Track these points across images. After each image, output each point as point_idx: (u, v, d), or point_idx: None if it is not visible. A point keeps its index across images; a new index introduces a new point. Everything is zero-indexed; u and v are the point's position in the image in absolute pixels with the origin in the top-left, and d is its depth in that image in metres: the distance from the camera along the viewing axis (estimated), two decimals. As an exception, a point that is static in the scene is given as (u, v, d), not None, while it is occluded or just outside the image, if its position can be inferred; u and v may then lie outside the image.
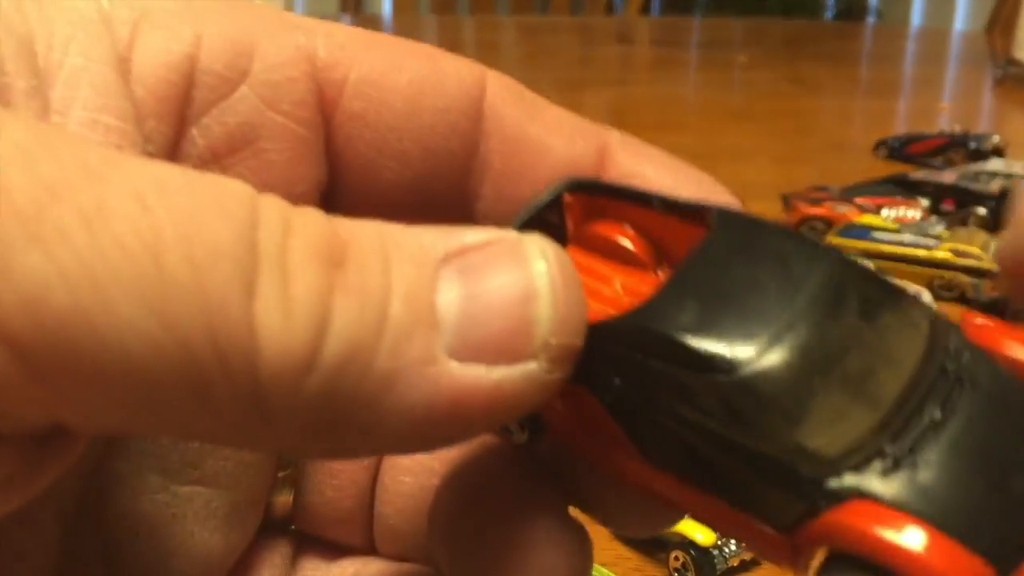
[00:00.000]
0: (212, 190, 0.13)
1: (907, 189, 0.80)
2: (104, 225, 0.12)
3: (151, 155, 0.14)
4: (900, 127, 1.11)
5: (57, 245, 0.12)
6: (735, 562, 0.43)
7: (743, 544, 0.16)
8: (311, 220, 0.14)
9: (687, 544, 0.43)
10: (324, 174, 0.19)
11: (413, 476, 0.21)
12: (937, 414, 0.15)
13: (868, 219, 0.71)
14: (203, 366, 0.13)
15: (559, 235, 0.19)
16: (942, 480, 0.14)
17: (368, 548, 0.23)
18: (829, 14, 2.65)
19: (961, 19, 2.48)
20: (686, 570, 0.43)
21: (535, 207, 0.19)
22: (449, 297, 0.14)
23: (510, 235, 0.15)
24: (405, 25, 1.80)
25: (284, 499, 0.23)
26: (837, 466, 0.14)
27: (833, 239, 0.69)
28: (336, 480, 0.22)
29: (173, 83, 0.18)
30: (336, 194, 0.20)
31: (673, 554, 0.43)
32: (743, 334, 0.15)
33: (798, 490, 0.14)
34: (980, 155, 0.90)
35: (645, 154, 0.21)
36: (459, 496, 0.19)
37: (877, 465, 0.14)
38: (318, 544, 0.23)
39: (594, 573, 0.40)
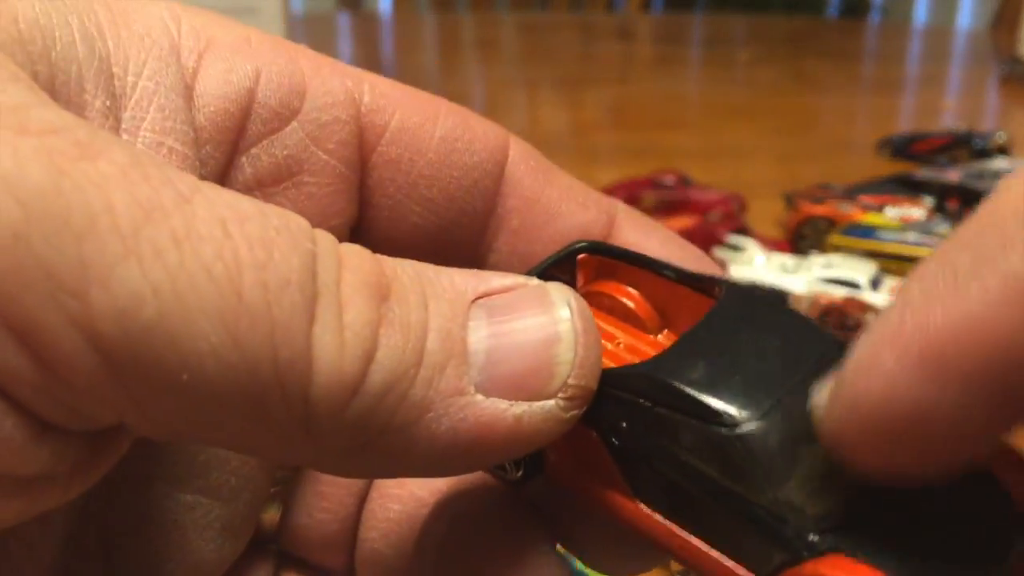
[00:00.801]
0: (281, 221, 0.14)
1: (911, 188, 0.79)
2: (192, 248, 0.13)
3: (203, 179, 0.15)
4: (904, 125, 1.11)
5: (152, 263, 0.13)
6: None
7: None
8: (360, 256, 0.15)
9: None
10: (356, 210, 0.21)
11: (401, 504, 0.22)
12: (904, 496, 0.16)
13: (872, 218, 0.71)
14: (263, 384, 0.14)
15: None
16: (906, 547, 0.15)
17: (348, 572, 0.23)
18: (832, 11, 2.65)
19: (966, 17, 2.47)
20: (687, 572, 0.42)
21: (552, 260, 0.20)
22: (478, 335, 0.16)
23: (534, 282, 0.17)
24: (405, 23, 1.80)
25: (271, 516, 0.23)
26: (818, 523, 0.16)
27: (837, 238, 0.69)
28: (324, 503, 0.23)
29: (231, 113, 0.19)
30: (363, 231, 0.21)
31: None
32: (746, 395, 0.16)
33: (783, 540, 0.16)
34: (985, 153, 0.90)
35: (650, 227, 0.23)
36: (451, 527, 0.20)
37: (852, 526, 0.16)
38: (299, 564, 0.23)
39: (591, 575, 0.40)
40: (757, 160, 0.91)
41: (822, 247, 0.69)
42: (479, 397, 0.16)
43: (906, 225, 0.70)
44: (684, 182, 0.79)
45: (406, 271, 0.16)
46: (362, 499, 0.23)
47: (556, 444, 0.17)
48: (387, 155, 0.21)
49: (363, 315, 0.15)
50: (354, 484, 0.23)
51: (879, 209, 0.73)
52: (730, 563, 0.16)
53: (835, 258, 0.64)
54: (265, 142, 0.20)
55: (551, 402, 0.16)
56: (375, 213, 0.21)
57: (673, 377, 0.17)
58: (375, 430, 0.15)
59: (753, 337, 0.18)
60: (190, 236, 0.13)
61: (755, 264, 0.64)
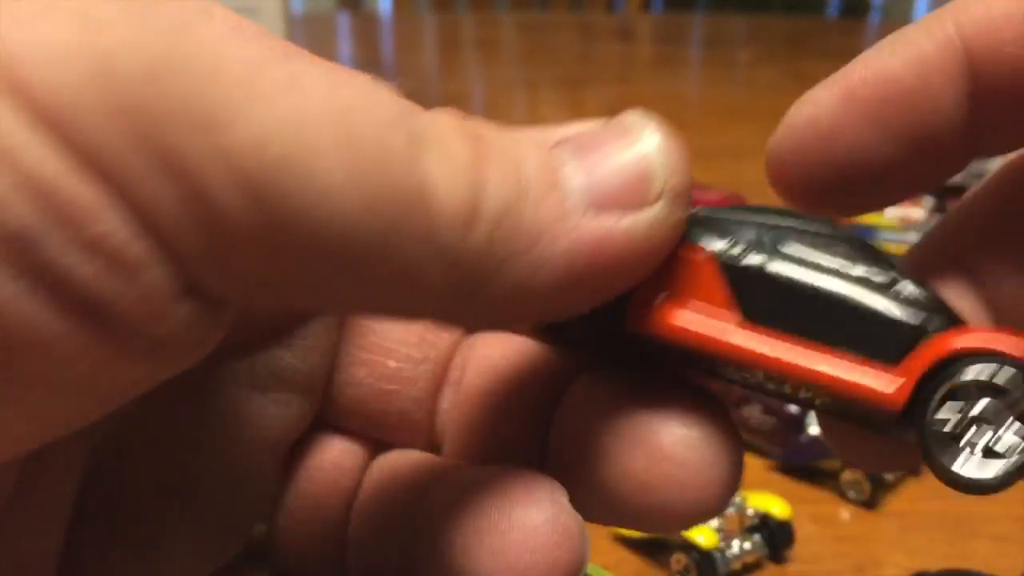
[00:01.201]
0: (367, 78, 0.15)
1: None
2: (303, 92, 0.14)
3: None
4: (903, 125, 1.10)
5: (271, 104, 0.14)
6: (737, 565, 0.43)
7: (831, 396, 0.18)
8: (445, 111, 0.16)
9: (689, 547, 0.42)
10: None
11: (392, 499, 0.22)
12: None
13: (872, 219, 0.71)
14: (388, 219, 0.14)
15: None
16: None
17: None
18: (832, 11, 2.64)
19: (964, 17, 2.47)
20: (687, 573, 0.42)
21: None
22: (570, 168, 0.17)
23: (615, 118, 0.18)
24: (405, 23, 1.80)
25: (259, 530, 0.23)
26: (932, 308, 0.17)
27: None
28: (311, 504, 0.22)
29: None
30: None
31: (675, 557, 0.43)
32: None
33: (908, 320, 0.17)
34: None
35: None
36: (451, 499, 0.19)
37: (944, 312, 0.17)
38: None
39: (593, 574, 0.40)
40: (757, 160, 0.90)
41: (822, 247, 0.69)
42: (586, 217, 0.16)
43: (906, 225, 0.70)
44: (684, 182, 0.79)
45: (484, 125, 0.17)
46: (350, 502, 0.22)
47: (647, 277, 0.18)
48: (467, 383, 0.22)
49: (463, 151, 0.16)
50: (343, 485, 0.22)
51: (879, 209, 0.73)
52: (855, 363, 0.17)
53: (835, 258, 0.64)
54: None
55: (654, 208, 0.17)
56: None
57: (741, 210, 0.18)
58: (498, 258, 0.16)
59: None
60: (299, 82, 0.14)
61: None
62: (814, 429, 0.50)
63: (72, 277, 0.13)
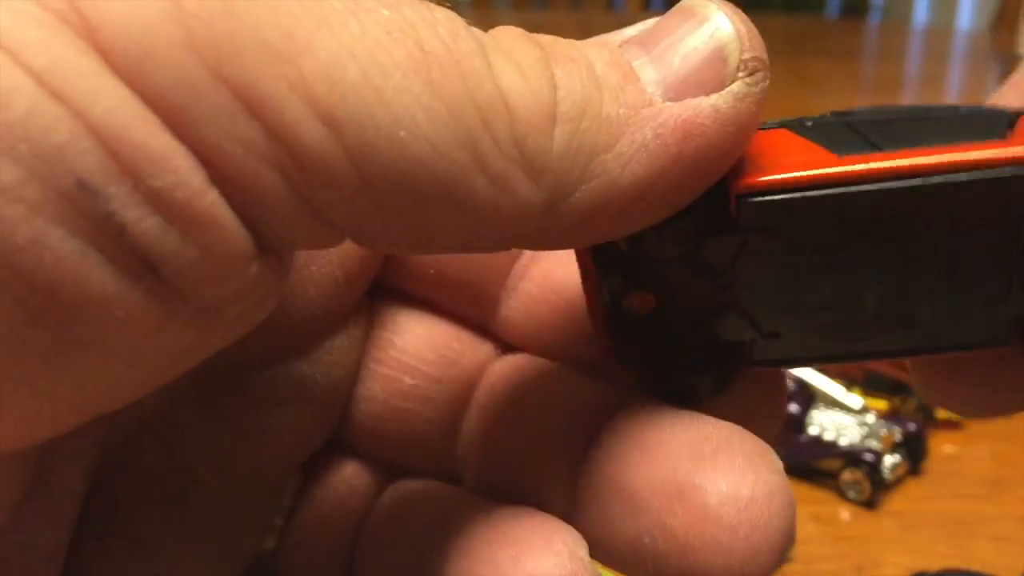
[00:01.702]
0: (424, 3, 0.15)
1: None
2: (369, 16, 0.14)
3: None
4: (903, 125, 1.10)
5: (341, 31, 0.13)
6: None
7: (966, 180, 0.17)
8: (504, 26, 0.16)
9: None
10: None
11: (398, 528, 0.21)
12: None
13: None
14: (472, 132, 0.14)
15: None
16: None
17: None
18: (832, 11, 2.64)
19: (966, 17, 2.47)
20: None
21: None
22: (641, 61, 0.16)
23: (676, 5, 0.17)
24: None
25: (269, 548, 0.22)
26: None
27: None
28: (320, 524, 0.22)
29: None
30: None
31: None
32: None
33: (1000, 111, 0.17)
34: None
35: None
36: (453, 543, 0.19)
37: None
38: None
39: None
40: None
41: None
42: (668, 103, 0.16)
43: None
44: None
45: (545, 36, 0.17)
46: (359, 525, 0.22)
47: (736, 169, 0.17)
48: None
49: (531, 54, 0.15)
50: (347, 516, 0.22)
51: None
52: (963, 147, 0.16)
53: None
54: None
55: (736, 83, 0.16)
56: None
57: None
58: (585, 156, 0.15)
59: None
60: (361, 7, 0.14)
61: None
62: (814, 429, 0.50)
63: (132, 232, 0.12)
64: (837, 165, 0.17)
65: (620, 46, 0.17)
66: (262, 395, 0.21)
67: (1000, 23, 1.69)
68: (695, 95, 0.16)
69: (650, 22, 0.17)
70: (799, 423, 0.50)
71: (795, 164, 0.17)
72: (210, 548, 0.21)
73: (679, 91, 0.16)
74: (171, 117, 0.13)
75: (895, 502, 0.48)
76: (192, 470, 0.20)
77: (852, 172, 0.17)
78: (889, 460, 0.48)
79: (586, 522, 0.18)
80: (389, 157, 0.14)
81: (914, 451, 0.50)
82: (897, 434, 0.49)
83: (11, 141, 0.11)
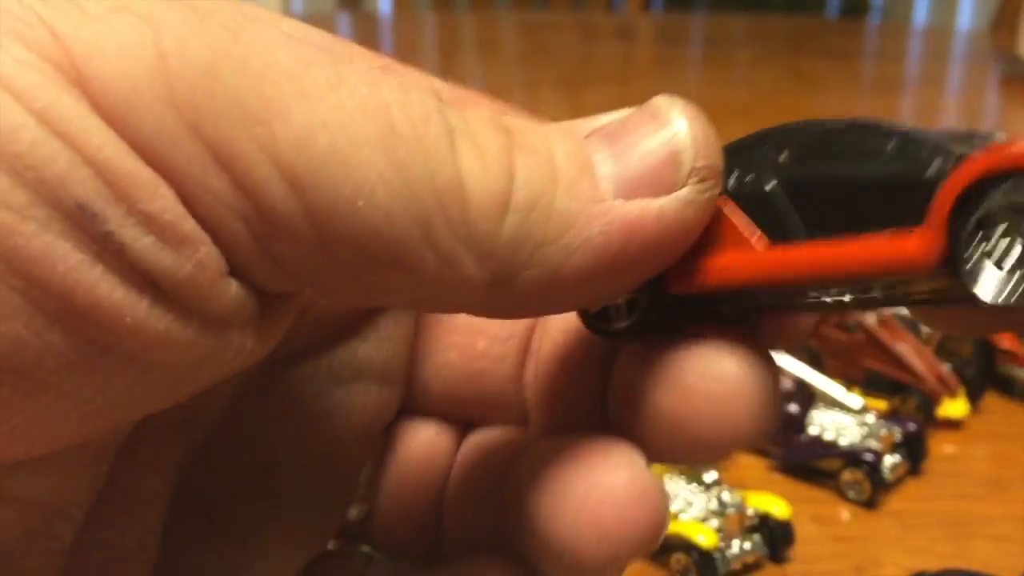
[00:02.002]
0: (407, 79, 0.16)
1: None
2: (347, 91, 0.15)
3: None
4: (903, 125, 1.10)
5: (318, 102, 0.15)
6: (737, 565, 0.43)
7: (876, 281, 0.18)
8: (476, 102, 0.18)
9: (689, 547, 0.42)
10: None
11: (483, 475, 0.23)
12: None
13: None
14: (426, 208, 0.15)
15: None
16: None
17: (434, 558, 0.24)
18: (832, 11, 2.64)
19: (966, 17, 2.47)
20: (687, 573, 0.42)
21: None
22: (601, 155, 0.17)
23: (643, 105, 0.18)
24: (405, 23, 1.80)
25: (356, 510, 0.24)
26: (948, 147, 0.17)
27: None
28: (407, 487, 0.23)
29: None
30: None
31: (675, 557, 0.43)
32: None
33: (924, 167, 0.16)
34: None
35: None
36: (536, 467, 0.20)
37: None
38: (387, 557, 0.24)
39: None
40: (757, 160, 0.90)
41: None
42: (619, 202, 0.17)
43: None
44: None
45: (520, 118, 0.18)
46: (444, 482, 0.23)
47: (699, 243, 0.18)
48: (549, 337, 0.23)
49: (496, 143, 0.16)
50: (437, 467, 0.23)
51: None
52: (881, 240, 0.17)
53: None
54: None
55: (686, 189, 0.17)
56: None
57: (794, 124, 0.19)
58: (531, 244, 0.16)
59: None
60: (343, 83, 0.15)
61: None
62: (814, 429, 0.50)
63: (130, 249, 0.14)
64: (756, 267, 0.18)
65: (587, 136, 0.17)
66: (323, 379, 0.22)
67: (1000, 23, 1.69)
68: (646, 195, 0.17)
69: (622, 114, 0.18)
70: (799, 423, 0.50)
71: (725, 265, 0.18)
72: (298, 529, 0.22)
73: (631, 189, 0.17)
74: (150, 159, 0.14)
75: (895, 502, 0.48)
76: (272, 459, 0.22)
77: (769, 278, 0.18)
78: (889, 460, 0.48)
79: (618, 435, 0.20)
80: (346, 221, 0.15)
81: (914, 451, 0.50)
82: (897, 434, 0.50)
83: (20, 169, 0.13)
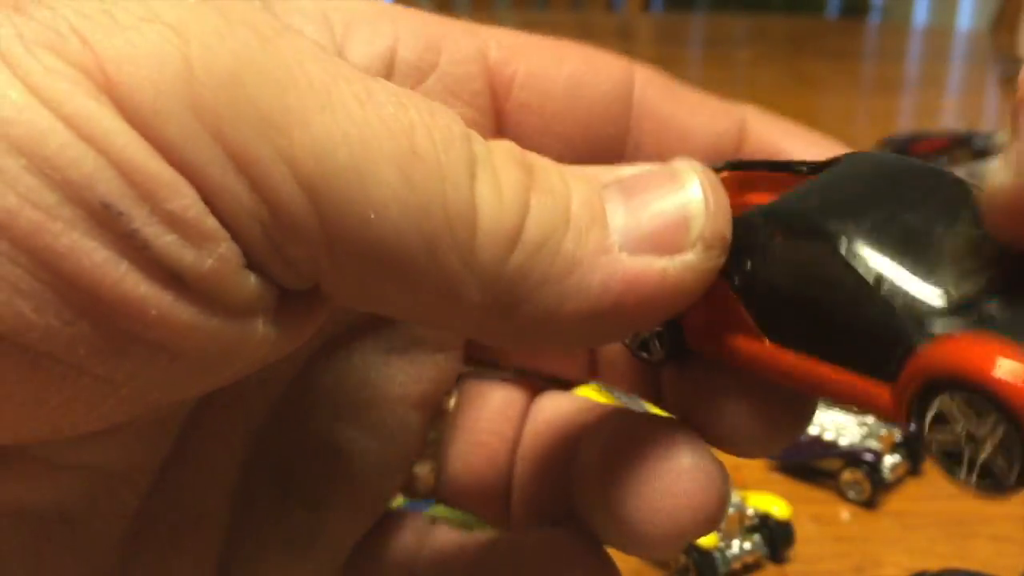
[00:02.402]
0: (431, 103, 0.17)
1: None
2: (373, 108, 0.16)
3: None
4: (904, 125, 1.10)
5: (342, 115, 0.15)
6: (737, 565, 0.43)
7: (854, 407, 0.18)
8: (504, 141, 0.18)
9: (689, 547, 0.42)
10: None
11: (553, 443, 0.24)
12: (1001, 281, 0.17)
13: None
14: (435, 229, 0.16)
15: None
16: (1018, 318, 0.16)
17: (504, 520, 0.25)
18: (832, 11, 2.64)
19: (966, 17, 2.47)
20: (687, 572, 0.42)
21: None
22: (615, 207, 0.18)
23: (665, 163, 0.19)
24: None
25: (426, 471, 0.24)
26: (930, 313, 0.16)
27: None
28: (479, 451, 0.24)
29: (377, 70, 0.21)
30: None
31: (674, 556, 0.43)
32: (855, 214, 0.18)
33: (896, 334, 0.16)
34: (985, 153, 0.90)
35: (781, 127, 0.24)
36: (604, 452, 0.21)
37: (961, 312, 0.16)
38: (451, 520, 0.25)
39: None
40: (757, 160, 0.90)
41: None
42: (624, 255, 0.17)
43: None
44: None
45: (543, 158, 0.18)
46: (515, 445, 0.24)
47: (694, 308, 0.19)
48: (519, 100, 0.23)
49: (515, 178, 0.17)
50: (507, 431, 0.24)
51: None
52: (860, 378, 0.17)
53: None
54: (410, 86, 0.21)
55: (690, 254, 0.18)
56: None
57: (789, 207, 0.18)
58: (534, 281, 0.17)
59: (868, 182, 0.19)
60: (371, 99, 0.16)
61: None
62: (814, 429, 0.50)
63: (154, 246, 0.15)
64: (757, 359, 0.19)
65: (605, 186, 0.18)
66: (381, 350, 0.23)
67: (1000, 23, 1.69)
68: (652, 253, 0.17)
69: (642, 168, 0.19)
70: (799, 423, 0.50)
71: (730, 344, 0.19)
72: (364, 492, 0.23)
73: (639, 245, 0.17)
74: (173, 160, 0.15)
75: (895, 502, 0.48)
76: (336, 427, 0.23)
77: (768, 371, 0.19)
78: (889, 460, 0.48)
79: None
80: (356, 232, 0.16)
81: (914, 451, 0.50)
82: (897, 434, 0.50)
83: (48, 171, 0.14)
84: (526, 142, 0.22)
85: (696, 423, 0.21)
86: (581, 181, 0.18)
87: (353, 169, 0.15)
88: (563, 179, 0.18)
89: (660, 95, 0.23)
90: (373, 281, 0.16)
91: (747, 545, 0.43)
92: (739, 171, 0.22)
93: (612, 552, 0.23)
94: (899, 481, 0.49)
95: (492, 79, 0.22)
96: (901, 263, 0.17)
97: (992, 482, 0.16)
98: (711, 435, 0.21)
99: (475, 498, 0.25)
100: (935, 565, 0.41)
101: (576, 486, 0.22)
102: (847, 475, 0.48)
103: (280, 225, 0.16)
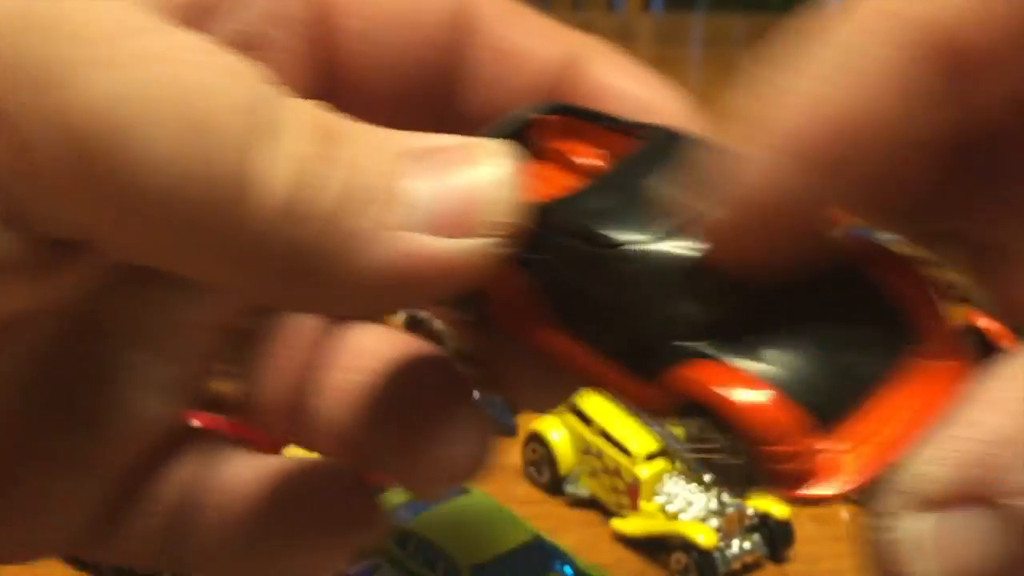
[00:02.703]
0: (234, 59, 0.16)
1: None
2: (160, 65, 0.15)
3: None
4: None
5: (117, 73, 0.15)
6: (737, 565, 0.43)
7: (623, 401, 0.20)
8: (303, 103, 0.17)
9: (689, 547, 0.42)
10: (320, 86, 0.22)
11: (355, 375, 0.24)
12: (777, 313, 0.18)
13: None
14: (202, 196, 0.16)
15: (529, 150, 0.21)
16: (777, 354, 0.17)
17: (305, 444, 0.25)
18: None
19: (964, 17, 2.46)
20: (687, 572, 0.42)
21: (506, 124, 0.21)
22: (410, 182, 0.17)
23: (469, 140, 0.18)
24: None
25: (229, 390, 0.25)
26: (692, 333, 0.18)
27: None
28: (284, 375, 0.24)
29: None
30: (334, 103, 0.22)
31: (675, 556, 0.43)
32: (633, 223, 0.18)
33: (659, 346, 0.18)
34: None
35: (621, 65, 0.23)
36: (387, 392, 0.22)
37: (722, 338, 0.18)
38: (248, 443, 0.25)
39: (593, 574, 0.40)
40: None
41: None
42: (411, 233, 0.17)
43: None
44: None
45: (344, 122, 0.17)
46: (320, 372, 0.24)
47: (498, 289, 0.19)
48: (344, 28, 0.22)
49: (297, 148, 0.16)
50: (313, 358, 0.24)
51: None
52: (626, 375, 0.18)
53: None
54: (226, 19, 0.21)
55: (477, 239, 0.17)
56: (344, 85, 0.22)
57: (575, 209, 0.19)
58: (309, 255, 0.16)
59: (662, 177, 0.19)
60: (158, 56, 0.16)
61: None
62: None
63: None
64: (540, 338, 0.20)
65: (406, 158, 0.18)
66: (178, 279, 0.23)
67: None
68: (440, 232, 0.17)
69: (447, 141, 0.18)
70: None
71: (520, 324, 0.20)
72: (144, 415, 0.23)
73: (427, 225, 0.17)
74: None
75: (895, 502, 0.48)
76: (126, 353, 0.23)
77: (549, 351, 0.20)
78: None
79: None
80: (122, 191, 0.15)
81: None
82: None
83: None
84: (354, 73, 0.22)
85: (491, 371, 0.22)
86: (381, 152, 0.17)
87: (123, 130, 0.15)
88: (361, 149, 0.17)
89: (498, 19, 0.23)
90: (148, 243, 0.16)
91: (747, 545, 0.43)
92: (568, 116, 0.21)
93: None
94: (899, 481, 0.49)
95: (319, 5, 0.22)
96: (669, 282, 0.18)
97: (729, 486, 0.18)
98: (502, 387, 0.22)
99: (281, 420, 0.25)
100: (935, 565, 0.41)
101: (367, 420, 0.23)
102: (847, 475, 0.48)
103: (41, 177, 0.15)
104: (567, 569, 0.39)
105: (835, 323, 0.18)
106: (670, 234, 0.18)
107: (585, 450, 0.47)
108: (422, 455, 0.22)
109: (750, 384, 0.17)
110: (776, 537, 0.44)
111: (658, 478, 0.45)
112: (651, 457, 0.45)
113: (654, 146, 0.20)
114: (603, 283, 0.18)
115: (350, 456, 0.24)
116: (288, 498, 0.24)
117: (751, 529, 0.44)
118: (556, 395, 0.23)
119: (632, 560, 0.44)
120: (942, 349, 0.18)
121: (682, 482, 0.45)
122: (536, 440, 0.49)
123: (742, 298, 0.18)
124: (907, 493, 0.16)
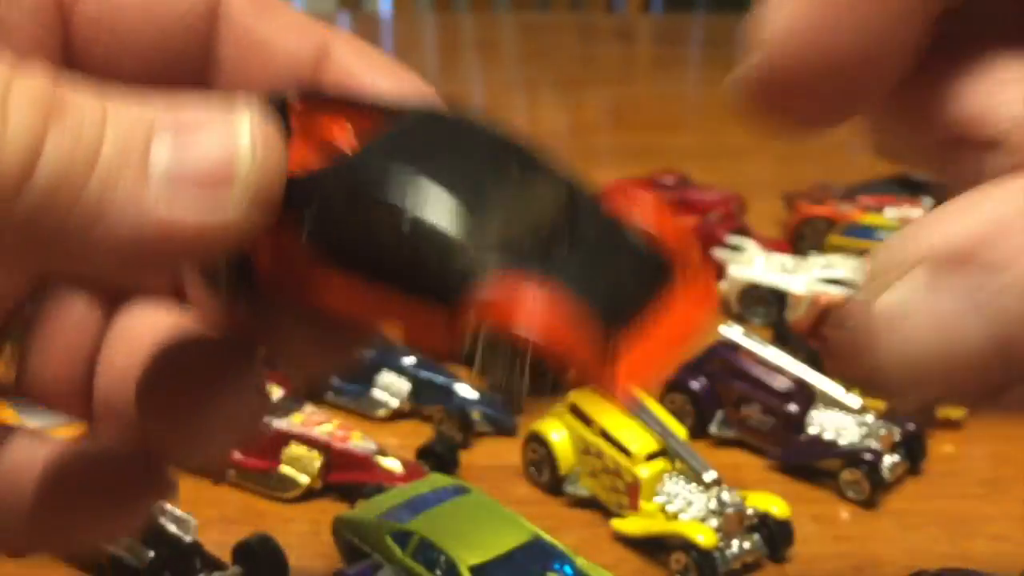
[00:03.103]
0: None
1: (911, 188, 0.79)
2: None
3: None
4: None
5: None
6: (737, 565, 0.43)
7: (419, 343, 0.20)
8: (34, 76, 0.17)
9: (688, 546, 0.42)
10: (59, 68, 0.21)
11: (133, 349, 0.24)
12: (566, 243, 0.19)
13: (871, 219, 0.71)
14: None
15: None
16: (571, 269, 0.18)
17: (85, 418, 0.25)
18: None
19: (964, 17, 2.46)
20: (687, 572, 0.42)
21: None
22: (160, 150, 0.17)
23: (224, 109, 0.18)
24: (405, 23, 1.80)
25: (4, 365, 0.25)
26: (486, 250, 0.18)
27: (836, 239, 0.68)
28: (56, 355, 0.24)
29: None
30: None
31: (674, 556, 0.43)
32: (422, 165, 0.19)
33: (453, 264, 0.18)
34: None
35: (366, 55, 0.24)
36: (161, 365, 0.23)
37: (516, 252, 0.18)
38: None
39: (593, 574, 0.40)
40: (756, 160, 0.90)
41: (822, 247, 0.69)
42: (160, 203, 0.17)
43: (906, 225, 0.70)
44: (684, 182, 0.79)
45: (86, 91, 0.17)
46: (98, 345, 0.24)
47: (263, 254, 0.19)
48: (87, 15, 0.21)
49: (26, 123, 0.16)
50: (91, 330, 0.24)
51: (879, 210, 0.72)
52: (422, 304, 0.18)
53: (835, 258, 0.64)
54: None
55: (231, 209, 0.17)
56: (88, 73, 0.21)
57: (355, 162, 0.19)
58: (51, 227, 0.16)
59: (420, 140, 0.20)
60: None
61: (755, 264, 0.64)
62: (814, 429, 0.50)
63: None
64: (304, 283, 0.20)
65: (155, 125, 0.17)
66: None
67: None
68: (191, 201, 0.17)
69: (201, 107, 0.18)
70: (798, 423, 0.50)
71: (299, 287, 0.20)
72: None
73: (178, 193, 0.17)
74: None
75: (894, 502, 0.48)
76: None
77: (313, 297, 0.20)
78: (888, 460, 0.48)
79: None
80: None
81: (913, 451, 0.50)
82: (896, 434, 0.50)
83: None
84: (97, 60, 0.21)
85: (262, 343, 0.22)
86: (124, 120, 0.17)
87: None
88: (100, 117, 0.17)
89: (248, 12, 0.23)
90: None
91: (747, 545, 0.43)
92: (314, 101, 0.22)
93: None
94: (898, 481, 0.49)
95: None
96: (460, 207, 0.18)
97: (510, 397, 0.19)
98: (276, 356, 0.22)
99: (56, 399, 0.25)
100: (935, 565, 0.41)
101: (141, 400, 0.23)
102: (847, 475, 0.48)
103: None
104: (567, 569, 0.39)
105: (615, 253, 0.20)
106: (451, 173, 0.19)
107: (585, 450, 0.47)
108: (190, 433, 0.22)
109: (546, 292, 0.18)
110: (776, 537, 0.44)
111: (658, 478, 0.45)
112: (651, 457, 0.45)
113: (402, 123, 0.20)
114: (368, 209, 0.18)
115: (128, 433, 0.24)
116: (69, 474, 0.23)
117: (751, 529, 0.44)
118: (338, 354, 0.23)
119: (632, 560, 0.44)
120: (694, 278, 0.20)
121: (682, 482, 0.45)
122: (536, 440, 0.49)
123: (524, 216, 0.19)
124: (897, 260, 0.17)
